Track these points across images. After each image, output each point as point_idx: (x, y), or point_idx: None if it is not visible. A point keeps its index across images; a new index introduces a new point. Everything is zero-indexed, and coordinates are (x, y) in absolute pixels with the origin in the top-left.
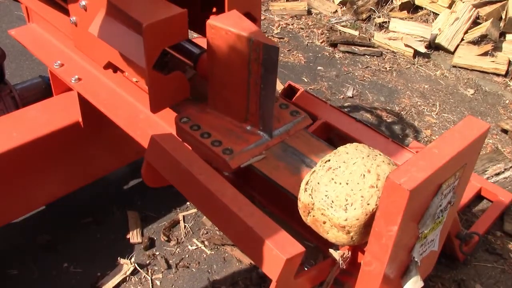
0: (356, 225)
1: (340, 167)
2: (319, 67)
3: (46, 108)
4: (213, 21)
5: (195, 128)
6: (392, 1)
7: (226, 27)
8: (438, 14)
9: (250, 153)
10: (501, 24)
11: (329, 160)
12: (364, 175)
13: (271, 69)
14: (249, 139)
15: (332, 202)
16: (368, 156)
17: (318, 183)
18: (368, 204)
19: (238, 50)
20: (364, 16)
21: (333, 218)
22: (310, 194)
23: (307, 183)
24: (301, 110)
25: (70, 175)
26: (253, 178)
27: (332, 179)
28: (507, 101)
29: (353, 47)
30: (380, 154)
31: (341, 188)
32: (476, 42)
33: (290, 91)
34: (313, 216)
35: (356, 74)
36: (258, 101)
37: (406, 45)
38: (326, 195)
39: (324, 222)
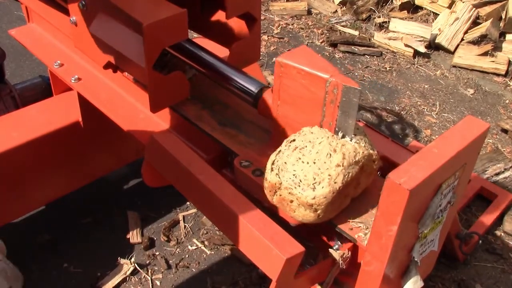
0: (324, 203)
1: (306, 146)
2: None
3: (46, 108)
4: (283, 59)
5: (258, 173)
6: (392, 1)
7: (299, 66)
8: (438, 14)
9: None
10: (501, 24)
11: (294, 140)
12: (330, 155)
13: (349, 112)
14: None
15: (300, 181)
16: (333, 135)
17: (285, 162)
18: (335, 182)
19: (311, 91)
20: (364, 16)
21: (301, 196)
22: (277, 174)
23: (273, 163)
24: None
25: (70, 175)
26: None
27: (299, 158)
28: (507, 101)
29: (353, 47)
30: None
31: (309, 167)
32: (476, 42)
33: None
34: (280, 195)
35: (356, 74)
36: None
37: (406, 45)
38: (294, 174)
39: (291, 201)
